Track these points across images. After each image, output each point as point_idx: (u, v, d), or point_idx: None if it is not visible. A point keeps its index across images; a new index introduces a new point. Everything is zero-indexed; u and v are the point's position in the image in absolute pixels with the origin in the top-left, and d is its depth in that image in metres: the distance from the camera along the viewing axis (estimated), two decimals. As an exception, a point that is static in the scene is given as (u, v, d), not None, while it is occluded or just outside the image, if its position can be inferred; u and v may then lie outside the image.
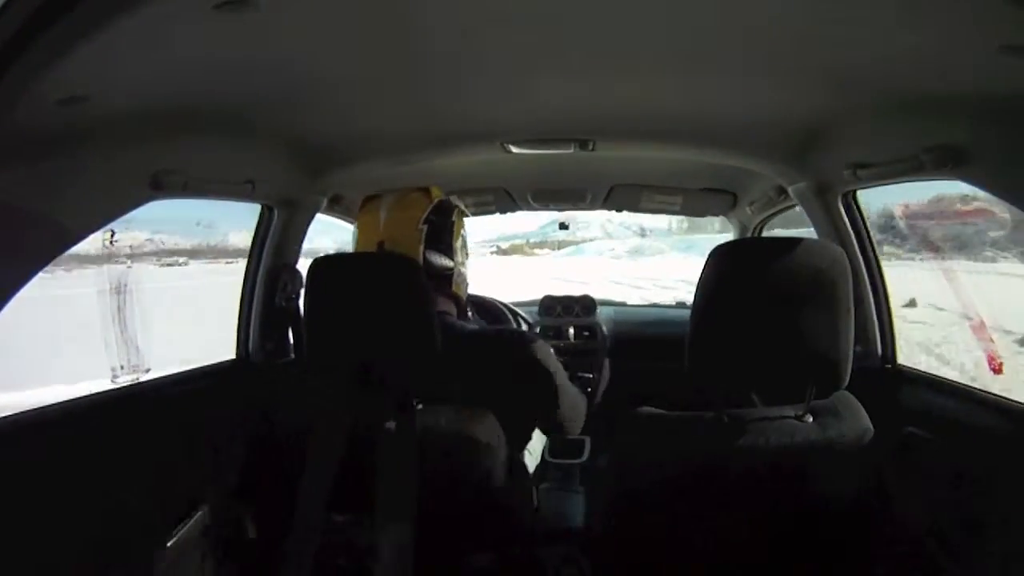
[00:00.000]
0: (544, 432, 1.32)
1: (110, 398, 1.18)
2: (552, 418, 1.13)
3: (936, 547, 1.02)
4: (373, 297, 1.00)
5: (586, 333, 2.32)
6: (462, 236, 1.17)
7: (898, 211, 1.88)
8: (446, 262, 1.11)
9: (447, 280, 1.12)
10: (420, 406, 1.00)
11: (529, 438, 1.20)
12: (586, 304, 2.41)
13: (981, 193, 1.01)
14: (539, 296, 2.46)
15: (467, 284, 1.19)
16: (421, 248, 1.08)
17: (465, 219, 1.21)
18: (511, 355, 1.05)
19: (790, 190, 1.51)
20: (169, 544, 1.18)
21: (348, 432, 1.01)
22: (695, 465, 0.98)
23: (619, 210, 2.28)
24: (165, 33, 0.72)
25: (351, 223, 2.05)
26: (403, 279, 1.00)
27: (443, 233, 1.11)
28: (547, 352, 1.09)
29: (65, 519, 0.98)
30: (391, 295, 1.00)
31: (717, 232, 5.03)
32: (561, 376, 1.10)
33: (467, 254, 1.19)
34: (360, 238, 1.11)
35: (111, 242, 1.27)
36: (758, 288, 0.94)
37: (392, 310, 1.00)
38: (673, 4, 0.78)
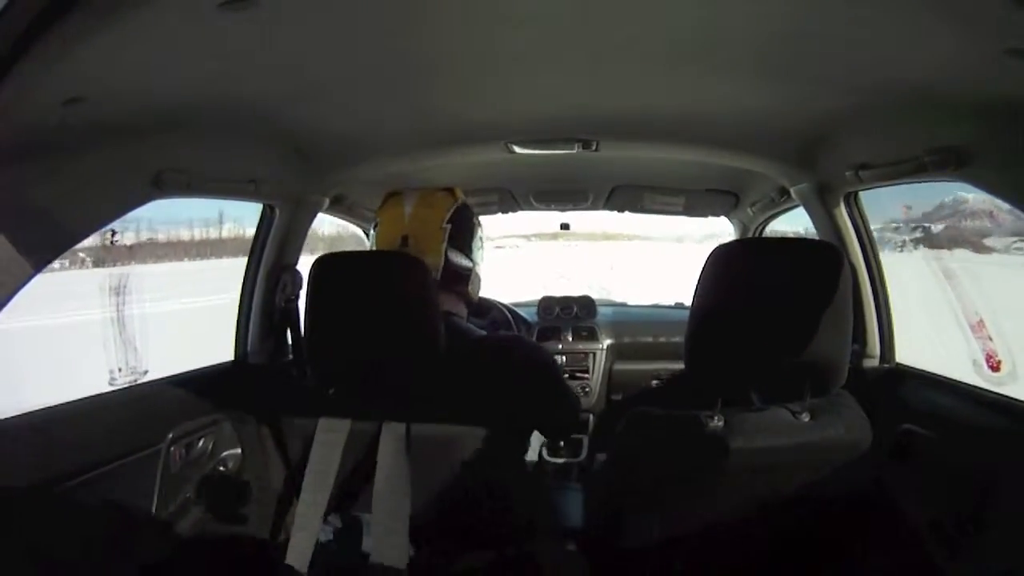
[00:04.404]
0: (541, 432, 1.35)
1: (110, 398, 1.18)
2: (549, 422, 1.15)
3: (935, 545, 1.02)
4: (377, 297, 1.00)
5: (584, 333, 2.32)
6: (480, 238, 1.19)
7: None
8: (466, 262, 1.13)
9: (464, 280, 1.14)
10: (421, 408, 1.00)
11: (528, 439, 1.21)
12: (585, 304, 2.41)
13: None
14: (538, 297, 2.46)
15: (480, 286, 1.21)
16: (444, 246, 1.09)
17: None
18: (514, 360, 1.06)
19: (792, 191, 1.51)
20: (168, 543, 1.18)
21: (347, 434, 1.01)
22: (694, 464, 0.98)
23: (621, 211, 2.28)
24: (169, 32, 0.71)
25: (353, 223, 2.05)
26: (409, 279, 0.99)
27: (465, 234, 1.13)
28: (548, 357, 1.11)
29: (66, 518, 0.98)
30: (396, 295, 0.99)
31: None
32: (560, 381, 1.12)
33: (483, 256, 1.20)
34: (382, 231, 1.12)
35: (112, 241, 1.27)
36: (757, 288, 0.94)
37: (397, 311, 0.99)
38: (676, 5, 0.78)
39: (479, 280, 1.19)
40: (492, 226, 2.60)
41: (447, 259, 1.09)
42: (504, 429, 1.01)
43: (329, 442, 1.00)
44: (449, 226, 1.10)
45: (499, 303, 1.96)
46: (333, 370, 1.05)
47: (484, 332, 1.11)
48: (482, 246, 1.19)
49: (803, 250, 1.00)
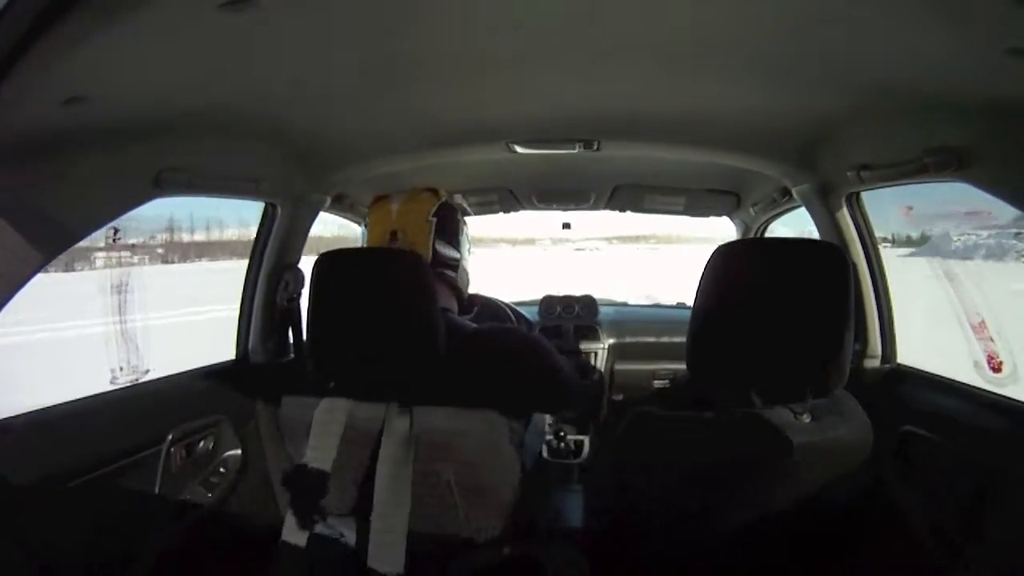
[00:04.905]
0: (547, 411, 1.38)
1: (110, 398, 1.18)
2: (557, 404, 1.20)
3: (936, 546, 1.02)
4: (378, 293, 1.01)
5: (586, 333, 2.31)
6: (466, 234, 1.23)
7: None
8: (453, 253, 1.17)
9: (453, 270, 1.17)
10: (421, 404, 1.00)
11: (525, 435, 1.21)
12: (587, 304, 2.40)
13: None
14: (539, 295, 2.46)
15: (469, 280, 1.24)
16: (431, 238, 1.13)
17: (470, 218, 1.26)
18: (508, 346, 1.07)
19: (794, 191, 1.50)
20: (168, 542, 1.18)
21: (347, 430, 1.01)
22: (694, 464, 0.98)
23: (622, 210, 2.27)
24: (170, 32, 0.72)
25: (354, 221, 2.06)
26: (409, 276, 1.01)
27: (451, 226, 1.17)
28: (544, 343, 1.12)
29: (66, 517, 0.99)
30: (396, 292, 1.01)
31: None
32: (560, 361, 1.13)
33: (470, 251, 1.24)
34: (372, 229, 1.17)
35: (113, 240, 1.28)
36: (758, 288, 0.94)
37: (397, 307, 1.01)
38: (676, 5, 0.77)
39: (467, 274, 1.22)
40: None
41: (435, 250, 1.13)
42: (505, 425, 1.01)
43: (326, 432, 1.00)
44: (435, 219, 1.14)
45: (501, 301, 1.97)
46: (334, 365, 1.05)
47: (477, 326, 1.12)
48: (468, 241, 1.23)
49: (805, 250, 0.99)
